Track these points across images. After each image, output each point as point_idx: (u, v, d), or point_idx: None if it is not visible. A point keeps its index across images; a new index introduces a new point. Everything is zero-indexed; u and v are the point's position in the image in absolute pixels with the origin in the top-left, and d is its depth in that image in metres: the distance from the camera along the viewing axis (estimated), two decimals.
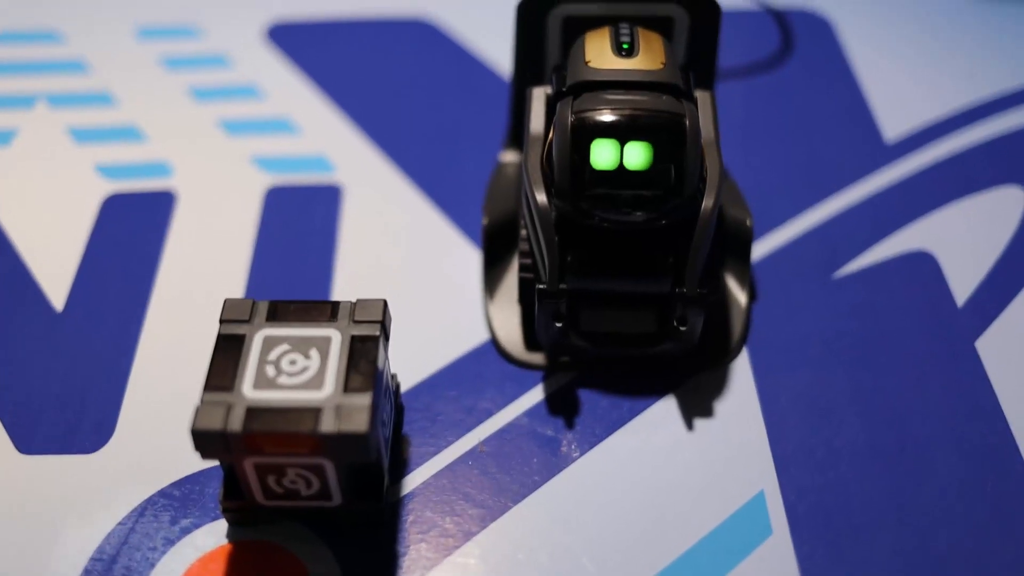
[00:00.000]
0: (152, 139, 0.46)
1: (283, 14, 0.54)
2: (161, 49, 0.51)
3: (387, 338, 0.32)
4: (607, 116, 0.32)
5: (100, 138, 0.46)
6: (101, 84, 0.49)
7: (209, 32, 0.53)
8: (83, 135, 0.46)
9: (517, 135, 0.42)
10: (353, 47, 0.52)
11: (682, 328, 0.33)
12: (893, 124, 0.47)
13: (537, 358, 0.37)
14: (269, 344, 0.31)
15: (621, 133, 0.31)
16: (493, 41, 0.52)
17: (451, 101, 0.48)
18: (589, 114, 0.32)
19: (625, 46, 0.34)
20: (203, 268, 0.40)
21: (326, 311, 0.31)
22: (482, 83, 0.49)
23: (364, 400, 0.29)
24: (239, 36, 0.52)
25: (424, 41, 0.52)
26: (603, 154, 0.31)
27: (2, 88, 0.49)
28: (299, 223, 0.42)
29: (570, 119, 0.32)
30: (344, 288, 0.39)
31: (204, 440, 0.29)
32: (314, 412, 0.29)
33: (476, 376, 0.36)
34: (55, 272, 0.40)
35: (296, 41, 0.52)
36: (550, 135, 0.33)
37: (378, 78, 0.50)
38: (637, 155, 0.31)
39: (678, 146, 0.32)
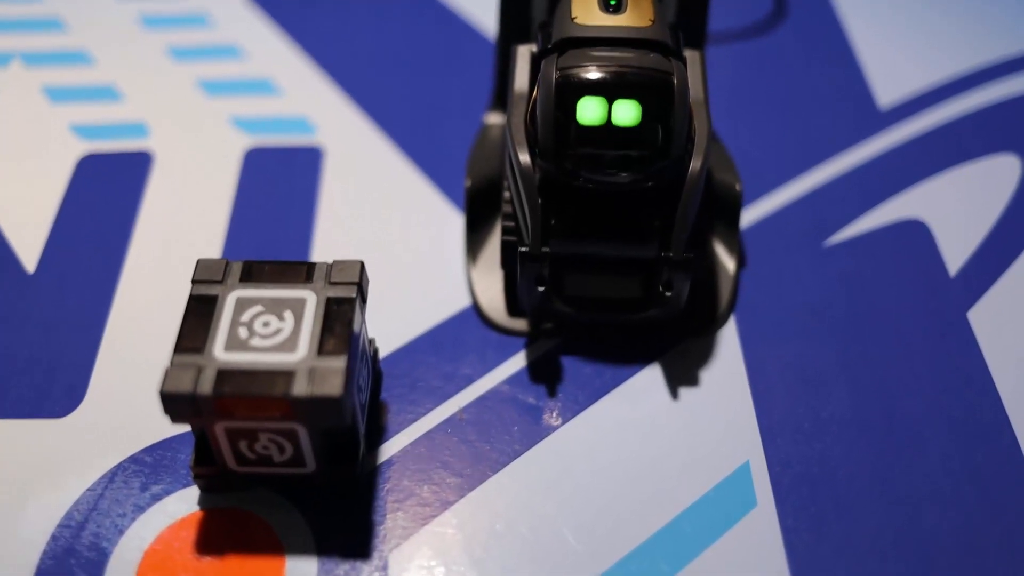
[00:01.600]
0: (129, 99, 0.45)
1: None
2: (140, 8, 0.50)
3: (364, 301, 0.31)
4: (593, 73, 0.31)
5: (76, 97, 0.45)
6: (77, 43, 0.48)
7: None
8: (58, 94, 0.45)
9: (502, 96, 0.41)
10: (337, 8, 0.50)
11: (668, 293, 0.33)
12: (887, 91, 0.46)
13: (519, 324, 0.36)
14: (242, 305, 0.30)
15: (608, 90, 0.30)
16: (478, 1, 0.50)
17: (436, 63, 0.47)
18: (575, 71, 0.31)
19: (612, 2, 0.33)
20: (179, 230, 0.39)
21: (301, 272, 0.31)
22: (467, 45, 0.48)
23: (339, 363, 0.28)
24: None
25: (408, 2, 0.51)
26: (590, 111, 0.30)
27: None
28: (279, 185, 0.41)
29: (555, 76, 0.31)
30: (323, 251, 0.38)
31: (173, 403, 0.28)
32: (287, 375, 0.28)
33: (457, 342, 0.36)
34: (27, 233, 0.39)
35: (278, 2, 0.51)
36: (534, 94, 0.33)
37: (362, 39, 0.49)
38: (626, 111, 0.30)
39: (666, 105, 0.31)
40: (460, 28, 0.49)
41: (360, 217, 0.40)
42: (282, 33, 0.49)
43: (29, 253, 0.38)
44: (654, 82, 0.31)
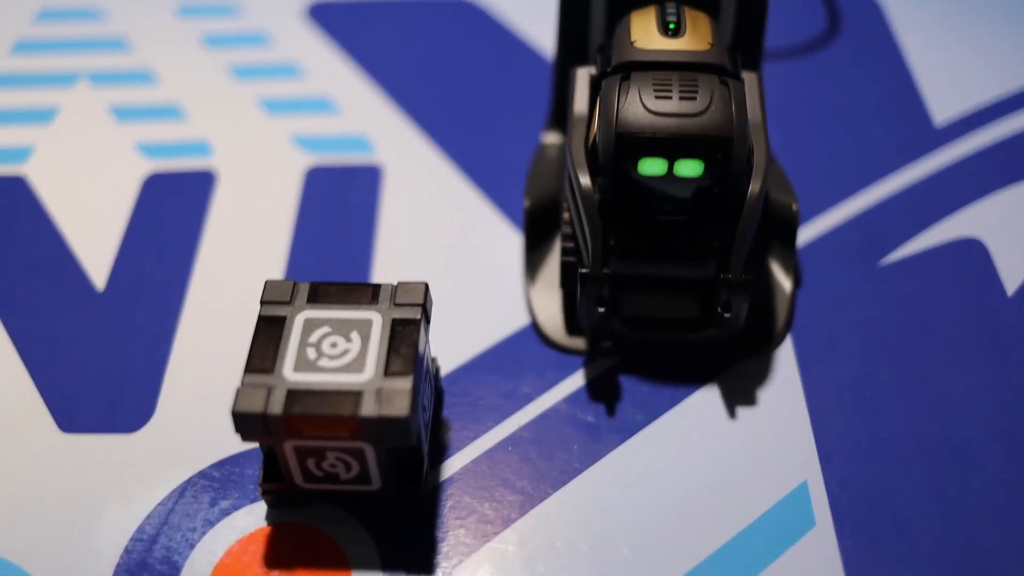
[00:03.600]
0: (192, 118, 0.46)
1: None
2: (201, 27, 0.51)
3: (428, 321, 0.32)
4: (654, 131, 0.31)
5: (141, 116, 0.46)
6: (142, 62, 0.49)
7: (249, 10, 0.52)
8: (124, 113, 0.46)
9: (559, 115, 0.41)
10: (393, 26, 0.51)
11: (727, 314, 0.33)
12: (942, 107, 0.46)
13: (578, 343, 0.36)
14: (310, 326, 0.30)
15: (668, 152, 0.31)
16: (534, 20, 0.51)
17: (492, 81, 0.48)
18: (635, 124, 0.31)
19: (672, 26, 0.34)
20: (243, 248, 0.40)
21: (367, 293, 0.31)
22: (523, 63, 0.49)
23: (405, 384, 0.29)
24: (279, 14, 0.52)
25: (465, 20, 0.52)
26: (652, 167, 0.31)
27: (44, 66, 0.49)
28: (339, 203, 0.42)
29: (615, 124, 0.31)
30: (384, 269, 0.39)
31: (244, 422, 0.29)
32: (355, 395, 0.29)
33: (516, 361, 0.36)
34: (96, 251, 0.40)
35: (336, 20, 0.51)
36: (594, 119, 0.33)
37: (418, 58, 0.49)
38: (689, 168, 0.31)
39: (725, 161, 0.31)
40: (516, 46, 0.50)
41: (419, 235, 0.41)
42: (340, 51, 0.50)
43: (98, 271, 0.39)
44: (714, 141, 0.31)
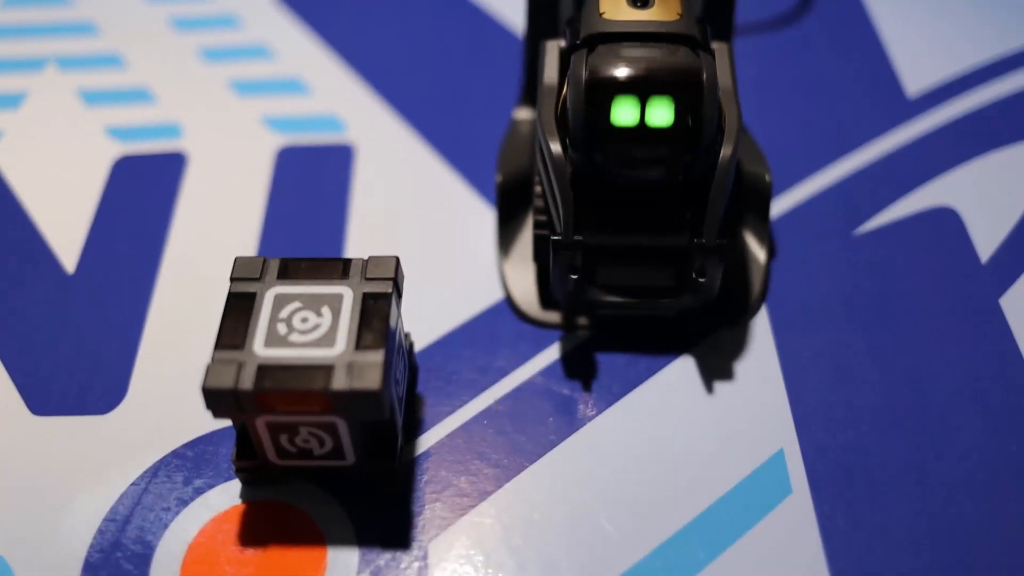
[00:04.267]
0: (162, 101, 0.46)
1: None
2: (169, 11, 0.51)
3: (400, 295, 0.31)
4: (624, 72, 0.31)
5: (110, 100, 0.46)
6: (110, 46, 0.49)
7: None
8: (93, 97, 0.46)
9: (530, 91, 0.41)
10: (363, 6, 0.51)
11: (701, 280, 0.33)
12: (915, 78, 0.46)
13: (552, 317, 0.36)
14: (280, 302, 0.30)
15: (639, 89, 0.31)
16: None
17: (463, 60, 0.48)
18: (605, 70, 0.31)
19: None
20: (215, 229, 0.40)
21: (338, 268, 0.31)
22: (494, 41, 0.49)
23: (376, 357, 0.29)
24: None
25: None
26: (624, 113, 0.31)
27: (12, 51, 0.48)
28: (311, 183, 0.42)
29: (584, 75, 0.31)
30: (357, 248, 0.39)
31: (215, 399, 0.28)
32: (326, 370, 0.28)
33: (490, 335, 0.36)
34: (66, 234, 0.40)
35: (306, 1, 0.51)
36: (564, 89, 0.33)
37: (389, 37, 0.49)
38: (661, 113, 0.31)
39: (696, 102, 0.31)
40: (486, 24, 0.50)
41: (392, 213, 0.40)
42: (310, 32, 0.49)
43: (68, 254, 0.39)
44: (686, 79, 0.31)
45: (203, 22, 0.50)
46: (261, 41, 0.49)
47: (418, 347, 0.36)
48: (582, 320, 0.36)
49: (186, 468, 0.33)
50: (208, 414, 0.32)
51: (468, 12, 0.50)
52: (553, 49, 0.35)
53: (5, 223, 0.40)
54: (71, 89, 0.46)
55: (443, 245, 0.39)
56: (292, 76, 0.47)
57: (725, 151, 0.32)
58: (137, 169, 0.42)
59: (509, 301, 0.37)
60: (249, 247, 0.39)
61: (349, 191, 0.41)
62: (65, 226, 0.40)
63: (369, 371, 0.28)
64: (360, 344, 0.29)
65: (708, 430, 0.33)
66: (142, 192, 0.41)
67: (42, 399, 0.35)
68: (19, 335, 0.36)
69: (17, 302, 0.37)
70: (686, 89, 0.31)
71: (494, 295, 0.37)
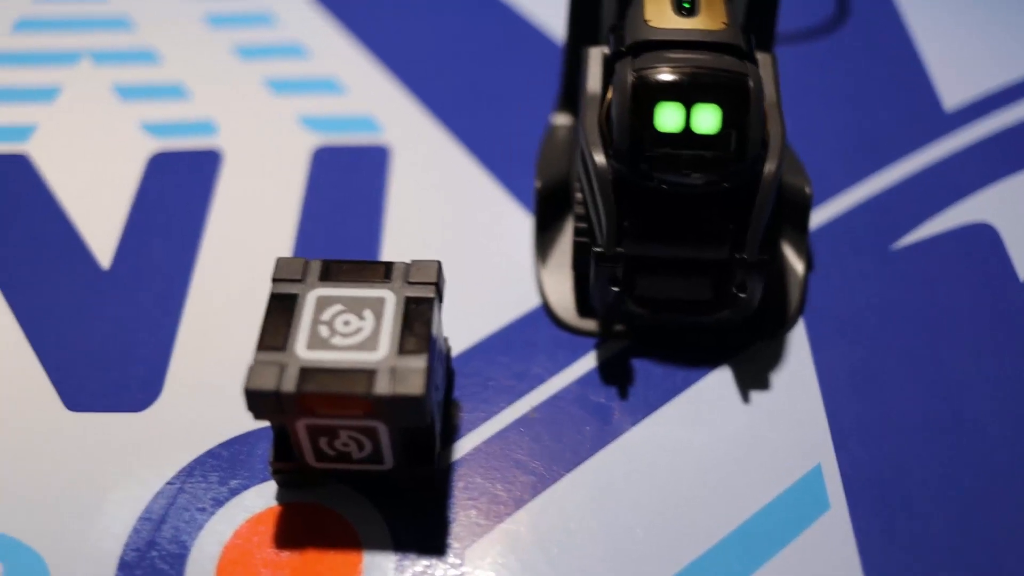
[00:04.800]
0: (197, 97, 0.46)
1: None
2: (204, 7, 0.51)
3: (441, 300, 0.31)
4: (670, 76, 0.31)
5: (145, 95, 0.46)
6: (145, 41, 0.49)
7: None
8: (128, 92, 0.46)
9: (569, 97, 0.41)
10: (398, 6, 0.51)
11: (742, 294, 0.33)
12: (953, 92, 0.46)
13: (589, 324, 0.36)
14: (322, 304, 0.30)
15: (685, 94, 0.31)
16: (539, 1, 0.51)
17: (498, 62, 0.48)
18: (651, 74, 0.31)
19: (686, 5, 0.33)
20: (250, 227, 0.40)
21: (379, 271, 0.31)
22: (530, 44, 0.48)
23: (419, 363, 0.28)
24: None
25: (470, 1, 0.51)
26: (669, 117, 0.31)
27: (47, 44, 0.49)
28: (347, 184, 0.41)
29: (630, 79, 0.31)
30: (393, 250, 0.39)
31: (257, 400, 0.28)
32: (368, 374, 0.28)
33: (527, 342, 0.36)
34: (101, 230, 0.40)
35: (341, 0, 0.51)
36: (608, 95, 0.33)
37: (424, 38, 0.49)
38: (707, 120, 0.30)
39: (742, 108, 0.31)
40: (521, 27, 0.50)
41: (427, 216, 0.40)
42: (345, 31, 0.49)
43: (104, 249, 0.39)
44: (732, 85, 0.31)
45: (238, 19, 0.50)
46: (296, 39, 0.49)
47: (455, 352, 0.35)
48: (619, 328, 0.36)
49: (221, 468, 0.33)
50: (244, 414, 0.32)
51: (504, 14, 0.50)
52: (597, 56, 0.35)
53: (41, 217, 0.40)
54: (105, 84, 0.46)
55: (479, 249, 0.39)
56: (327, 75, 0.47)
57: (770, 165, 0.31)
58: (172, 165, 0.42)
59: (546, 308, 0.37)
60: (285, 246, 0.39)
61: (385, 192, 0.41)
62: (100, 221, 0.40)
63: (412, 376, 0.28)
64: (403, 349, 0.29)
65: (745, 443, 0.33)
66: (177, 189, 0.41)
67: (77, 394, 0.34)
68: (54, 330, 0.36)
69: (53, 297, 0.37)
70: (732, 96, 0.31)
71: (531, 301, 0.37)
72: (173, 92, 0.46)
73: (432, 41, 0.49)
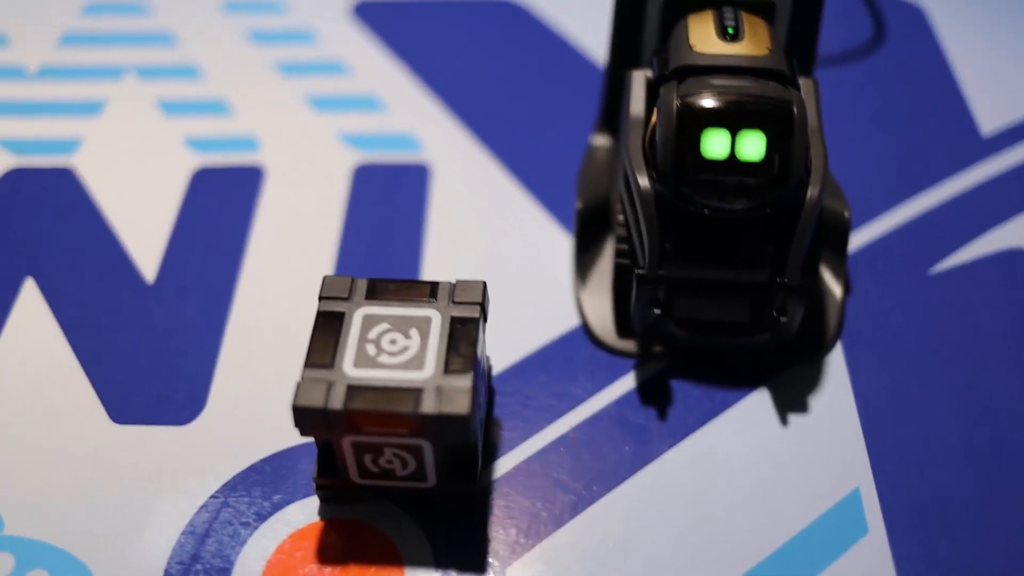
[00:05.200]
0: (239, 113, 0.46)
1: None
2: (247, 23, 0.51)
3: (485, 320, 0.32)
4: (716, 103, 0.31)
5: (188, 111, 0.46)
6: (188, 57, 0.49)
7: (294, 7, 0.53)
8: (171, 108, 0.47)
9: (609, 118, 0.41)
10: (437, 25, 0.51)
11: (782, 318, 0.33)
12: (990, 117, 0.46)
13: (629, 345, 0.36)
14: (369, 322, 0.30)
15: (731, 121, 0.31)
16: (578, 21, 0.51)
17: (536, 81, 0.48)
18: (696, 100, 0.31)
19: (730, 30, 0.34)
20: (293, 243, 0.40)
21: (425, 291, 0.31)
22: (568, 63, 0.49)
23: (465, 382, 0.29)
24: (324, 11, 0.52)
25: (508, 20, 0.52)
26: (715, 143, 0.31)
27: (92, 59, 0.49)
28: (388, 201, 0.42)
29: (676, 104, 0.31)
30: (433, 268, 0.39)
31: (304, 417, 0.29)
32: (415, 392, 0.29)
33: (566, 362, 0.36)
34: (146, 244, 0.40)
35: (382, 17, 0.52)
36: (652, 119, 0.33)
37: (462, 57, 0.49)
38: (752, 145, 0.31)
39: (787, 135, 0.31)
40: (559, 46, 0.50)
41: (467, 235, 0.41)
42: (386, 49, 0.50)
43: (148, 263, 0.40)
44: (777, 112, 0.31)
45: (279, 36, 0.51)
46: (337, 57, 0.49)
47: (495, 371, 0.36)
48: (657, 349, 0.36)
49: (265, 482, 0.33)
50: (287, 428, 0.33)
51: (540, 33, 0.51)
52: (640, 79, 0.35)
53: (87, 231, 0.41)
54: (149, 99, 0.47)
55: (519, 268, 0.39)
56: (368, 93, 0.47)
57: (812, 191, 0.32)
58: (216, 181, 0.43)
59: (585, 328, 0.37)
60: (327, 262, 0.39)
61: (425, 210, 0.41)
62: (145, 236, 0.41)
63: (458, 396, 0.29)
64: (448, 368, 0.29)
65: (783, 466, 0.33)
66: (221, 204, 0.42)
67: (123, 408, 0.35)
68: (101, 344, 0.37)
69: (99, 311, 0.38)
70: (777, 123, 0.31)
71: (570, 321, 0.37)
72: (216, 108, 0.46)
73: (470, 60, 0.49)
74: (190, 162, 0.44)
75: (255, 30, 0.51)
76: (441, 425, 0.28)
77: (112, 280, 0.39)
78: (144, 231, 0.41)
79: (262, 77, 0.48)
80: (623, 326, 0.37)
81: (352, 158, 0.44)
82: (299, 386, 0.29)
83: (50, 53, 0.50)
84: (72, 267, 0.40)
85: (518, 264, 0.40)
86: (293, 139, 0.45)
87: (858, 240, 0.40)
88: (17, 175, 0.43)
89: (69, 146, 0.45)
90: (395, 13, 0.52)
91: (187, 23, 0.51)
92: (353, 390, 0.29)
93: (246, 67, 0.49)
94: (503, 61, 0.49)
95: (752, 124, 0.31)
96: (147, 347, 0.37)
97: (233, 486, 0.33)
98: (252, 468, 0.33)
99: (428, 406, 0.28)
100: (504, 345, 0.37)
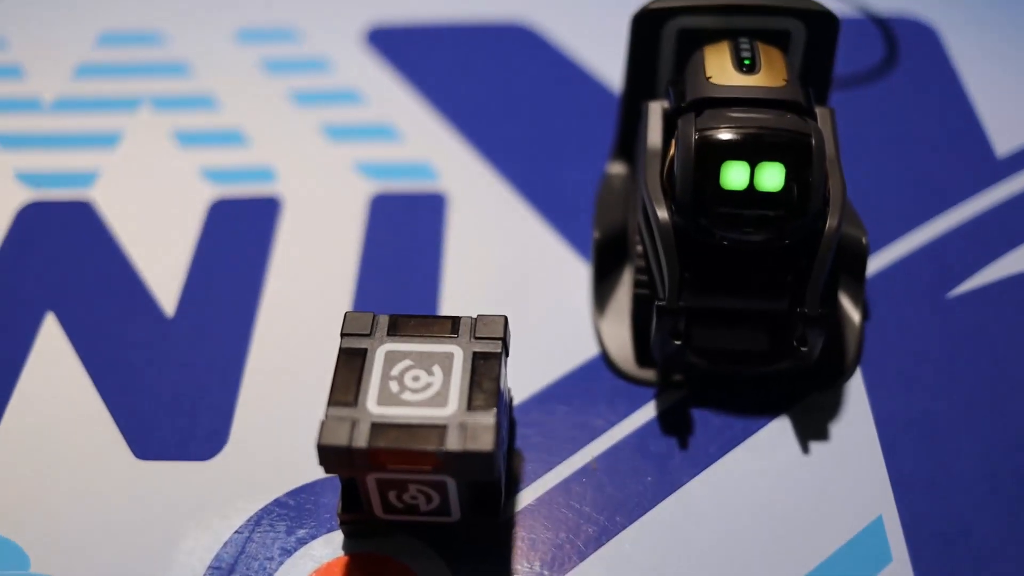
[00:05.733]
0: (256, 143, 0.46)
1: (382, 17, 0.54)
2: (261, 52, 0.52)
3: (507, 354, 0.32)
4: (734, 135, 0.31)
5: (204, 142, 0.47)
6: (203, 87, 0.50)
7: (308, 35, 0.53)
8: (188, 139, 0.47)
9: (625, 147, 0.41)
10: (452, 52, 0.52)
11: (803, 348, 0.33)
12: (1004, 138, 0.46)
13: (648, 374, 0.36)
14: (392, 359, 0.31)
15: (749, 154, 0.31)
16: (593, 47, 0.51)
17: (551, 108, 0.48)
18: (714, 133, 0.31)
19: (747, 62, 0.34)
20: (311, 275, 0.41)
21: (447, 326, 0.31)
22: (583, 90, 0.49)
23: (488, 419, 0.29)
24: (338, 39, 0.52)
25: (522, 46, 0.52)
26: (734, 176, 0.31)
27: (107, 90, 0.50)
28: (405, 231, 0.42)
29: (694, 137, 0.32)
30: (452, 298, 0.39)
31: (329, 455, 0.29)
32: (439, 430, 0.29)
33: (587, 391, 0.36)
34: (165, 277, 0.41)
35: (395, 45, 0.52)
36: (670, 151, 0.33)
37: (477, 84, 0.50)
38: (771, 178, 0.31)
39: (805, 166, 0.31)
40: (574, 73, 0.50)
41: (485, 264, 0.41)
42: (400, 77, 0.50)
43: (168, 297, 0.40)
44: (796, 144, 0.31)
45: (294, 65, 0.51)
46: (351, 85, 0.50)
47: (516, 401, 0.36)
48: (677, 378, 0.36)
49: (289, 517, 0.33)
50: (310, 462, 0.33)
51: (555, 60, 0.51)
52: (656, 111, 0.35)
53: (105, 264, 0.41)
54: (166, 130, 0.47)
55: (537, 298, 0.39)
56: (383, 121, 0.47)
57: (831, 222, 0.32)
58: (233, 212, 0.43)
59: (605, 358, 0.37)
60: (345, 294, 0.40)
61: (442, 241, 0.42)
62: (164, 268, 0.41)
63: (482, 433, 0.29)
64: (472, 404, 0.29)
65: (805, 495, 0.33)
66: (239, 236, 0.42)
67: (146, 443, 0.35)
68: (121, 379, 0.37)
69: (120, 346, 0.38)
70: (796, 155, 0.31)
71: (589, 351, 0.38)
72: (232, 138, 0.47)
73: (484, 87, 0.49)
74: (207, 193, 0.44)
75: (269, 59, 0.51)
76: (465, 462, 0.28)
77: (132, 314, 0.39)
78: (163, 264, 0.41)
79: (277, 106, 0.49)
80: (643, 355, 0.37)
81: (368, 188, 0.44)
82: (323, 425, 0.29)
83: (65, 84, 0.50)
84: (92, 301, 0.40)
85: (536, 293, 0.40)
86: (309, 169, 0.45)
87: (876, 264, 0.40)
88: (35, 208, 0.44)
89: (86, 179, 0.45)
90: (409, 39, 0.52)
91: (201, 53, 0.52)
92: (377, 428, 0.29)
93: (261, 96, 0.49)
94: (518, 87, 0.49)
95: (771, 157, 0.31)
96: (168, 382, 0.37)
97: (258, 521, 0.33)
98: (276, 502, 0.34)
99: (452, 443, 0.28)
100: (525, 375, 0.37)
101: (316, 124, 0.47)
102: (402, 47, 0.52)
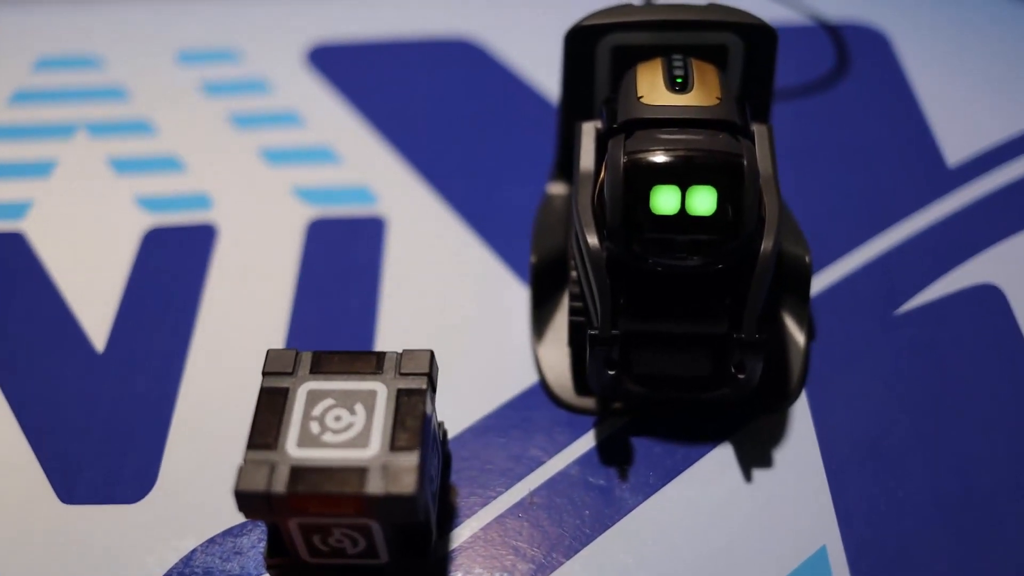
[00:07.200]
0: (192, 169, 0.45)
1: (324, 35, 0.53)
2: (200, 74, 0.51)
3: (434, 390, 0.31)
4: (664, 158, 0.30)
5: (140, 168, 0.46)
6: (141, 112, 0.49)
7: (248, 56, 0.52)
8: (123, 165, 0.46)
9: (564, 166, 0.40)
10: (396, 69, 0.51)
11: (740, 375, 0.32)
12: (956, 147, 0.45)
13: (588, 403, 0.36)
14: (313, 398, 0.30)
15: (679, 177, 0.30)
16: (538, 63, 0.50)
17: (494, 126, 0.47)
18: (644, 157, 0.31)
19: (679, 80, 0.33)
20: (245, 307, 0.39)
21: (371, 362, 0.31)
22: (527, 107, 0.48)
23: (411, 460, 0.28)
24: (280, 59, 0.51)
25: (467, 62, 0.51)
26: (664, 200, 0.30)
27: (42, 116, 0.48)
28: (342, 258, 0.41)
29: (623, 161, 0.31)
30: (389, 326, 0.38)
31: (247, 501, 0.28)
32: (360, 472, 0.28)
33: (525, 421, 0.35)
34: (96, 311, 0.39)
35: (337, 64, 0.51)
36: (602, 174, 0.32)
37: (420, 102, 0.49)
38: (703, 202, 0.30)
39: (738, 189, 0.30)
40: (518, 89, 0.49)
41: (424, 290, 0.40)
42: (340, 97, 0.49)
43: (98, 331, 0.39)
44: (726, 167, 0.30)
45: (234, 86, 0.50)
46: (291, 107, 0.49)
47: (452, 433, 0.35)
48: (617, 406, 0.35)
49: (219, 557, 0.32)
50: None
51: (500, 76, 0.50)
52: (589, 132, 0.34)
53: (35, 298, 0.40)
54: (101, 157, 0.46)
55: (477, 325, 0.39)
56: (322, 144, 0.46)
57: (766, 243, 0.31)
58: (167, 241, 0.42)
59: (543, 386, 0.36)
60: (279, 325, 0.39)
61: (380, 266, 0.41)
62: (95, 302, 0.40)
63: (404, 475, 0.28)
64: (394, 445, 0.28)
65: (748, 524, 0.32)
66: (172, 266, 0.41)
67: (72, 487, 0.34)
68: (48, 418, 0.36)
69: (47, 383, 0.37)
70: (728, 178, 0.30)
71: (528, 378, 0.37)
72: (168, 164, 0.46)
73: (427, 105, 0.48)
74: (142, 222, 0.43)
75: (208, 81, 0.50)
76: (388, 505, 0.28)
77: (61, 351, 0.38)
78: (95, 297, 0.40)
79: (215, 130, 0.47)
80: (581, 383, 0.36)
81: (306, 213, 0.43)
82: (241, 470, 0.28)
83: (2, 112, 0.49)
84: (22, 337, 0.39)
85: (476, 320, 0.39)
86: (246, 195, 0.44)
87: (821, 282, 0.39)
88: None
89: (19, 210, 0.44)
90: (351, 57, 0.51)
91: (140, 76, 0.51)
92: (296, 472, 0.28)
93: (199, 120, 0.48)
94: (460, 105, 0.48)
95: (702, 180, 0.30)
96: (96, 421, 0.36)
97: (186, 562, 0.32)
98: (208, 542, 0.33)
99: (373, 487, 0.27)
100: (462, 405, 0.36)
101: (254, 148, 0.46)
102: (344, 66, 0.51)
